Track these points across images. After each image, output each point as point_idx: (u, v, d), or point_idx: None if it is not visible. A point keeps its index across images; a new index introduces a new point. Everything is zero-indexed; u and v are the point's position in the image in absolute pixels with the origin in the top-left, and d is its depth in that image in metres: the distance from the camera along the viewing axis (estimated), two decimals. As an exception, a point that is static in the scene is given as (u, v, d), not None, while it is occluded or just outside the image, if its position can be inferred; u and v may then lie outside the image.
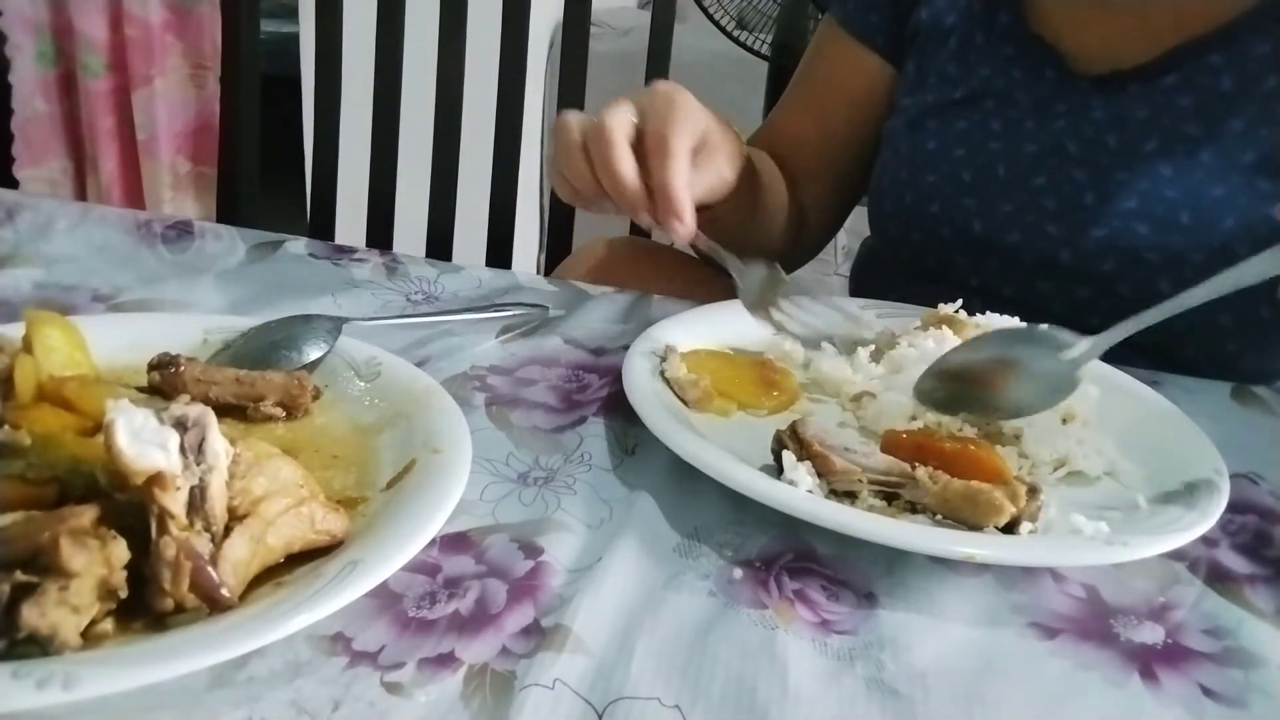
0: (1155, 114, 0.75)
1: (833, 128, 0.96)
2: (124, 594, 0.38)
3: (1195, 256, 0.74)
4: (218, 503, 0.42)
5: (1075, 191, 0.78)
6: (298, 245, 0.85)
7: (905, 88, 0.90)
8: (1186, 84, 0.74)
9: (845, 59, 0.95)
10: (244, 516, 0.42)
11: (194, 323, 0.64)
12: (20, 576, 0.36)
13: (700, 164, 0.66)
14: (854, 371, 0.66)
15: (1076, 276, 0.67)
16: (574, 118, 0.65)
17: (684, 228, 0.62)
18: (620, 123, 0.62)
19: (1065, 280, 0.67)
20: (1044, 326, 0.58)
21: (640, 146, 0.63)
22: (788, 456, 0.53)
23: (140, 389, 0.56)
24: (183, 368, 0.56)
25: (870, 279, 0.98)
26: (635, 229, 1.12)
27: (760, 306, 0.68)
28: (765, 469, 0.53)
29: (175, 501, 0.40)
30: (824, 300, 0.70)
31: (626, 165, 0.61)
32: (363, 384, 0.59)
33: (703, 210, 0.71)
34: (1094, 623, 0.48)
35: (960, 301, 0.71)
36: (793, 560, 0.50)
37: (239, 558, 0.41)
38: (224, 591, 0.40)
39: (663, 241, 1.01)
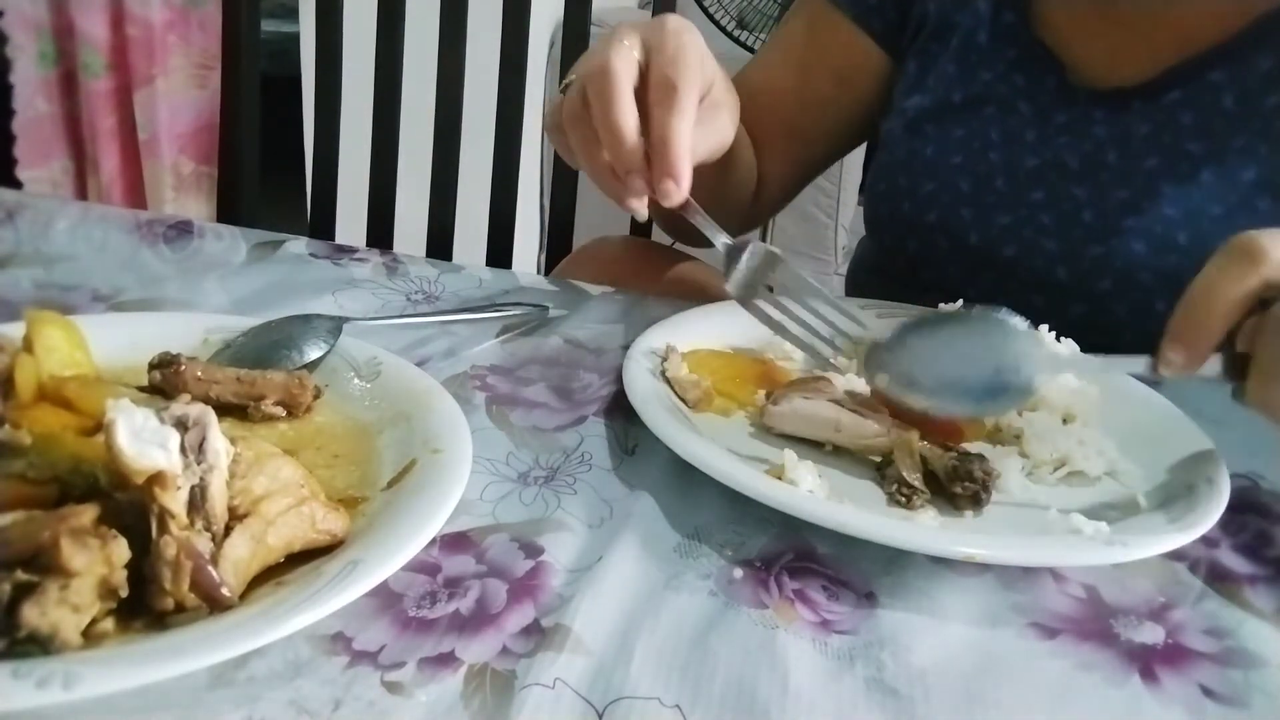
0: (1157, 131, 0.75)
1: (814, 96, 0.92)
2: (124, 593, 0.38)
3: (1190, 277, 0.74)
4: (218, 502, 0.42)
5: (1074, 208, 0.78)
6: (298, 245, 0.85)
7: (905, 88, 0.88)
8: (1189, 101, 0.73)
9: (835, 36, 0.91)
10: (244, 516, 0.42)
11: (194, 322, 0.64)
12: (21, 576, 0.36)
13: (704, 119, 0.60)
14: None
15: (1072, 293, 0.66)
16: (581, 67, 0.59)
17: (678, 193, 0.56)
18: (625, 64, 0.56)
19: (1061, 296, 0.67)
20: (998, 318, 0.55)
21: (643, 89, 0.57)
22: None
23: (140, 388, 0.56)
24: (183, 367, 0.56)
25: (866, 280, 0.98)
26: (635, 228, 1.12)
27: (750, 294, 0.61)
28: (766, 469, 0.53)
29: (175, 501, 0.40)
30: (820, 294, 0.62)
31: (628, 117, 0.56)
32: (363, 384, 0.60)
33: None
34: (1094, 623, 0.48)
35: (960, 301, 0.71)
36: (793, 560, 0.50)
37: (239, 557, 0.41)
38: (224, 591, 0.40)
39: (664, 241, 1.01)
